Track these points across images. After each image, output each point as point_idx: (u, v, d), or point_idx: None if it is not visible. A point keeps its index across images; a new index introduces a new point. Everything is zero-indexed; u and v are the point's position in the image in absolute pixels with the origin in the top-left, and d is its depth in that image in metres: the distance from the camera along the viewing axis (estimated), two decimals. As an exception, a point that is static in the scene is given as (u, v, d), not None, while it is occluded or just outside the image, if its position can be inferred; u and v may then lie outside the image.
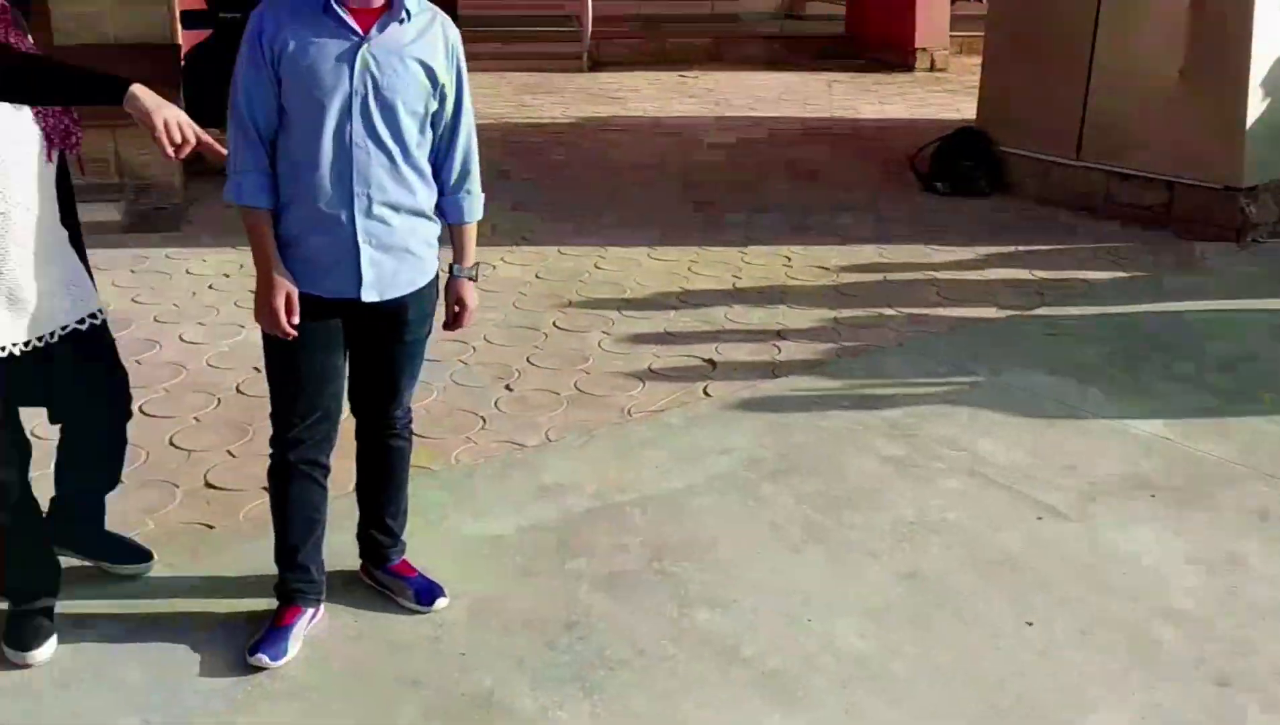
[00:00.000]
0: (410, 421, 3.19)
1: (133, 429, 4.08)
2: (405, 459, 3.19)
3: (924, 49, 13.18)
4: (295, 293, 2.80)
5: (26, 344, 2.68)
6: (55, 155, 2.68)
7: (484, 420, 4.28)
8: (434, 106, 2.83)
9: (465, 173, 2.97)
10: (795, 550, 3.45)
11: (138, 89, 2.34)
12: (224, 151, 2.55)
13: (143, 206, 6.90)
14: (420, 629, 3.03)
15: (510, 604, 3.15)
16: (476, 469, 3.90)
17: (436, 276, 3.02)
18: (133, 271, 5.71)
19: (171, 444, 4.03)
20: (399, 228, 2.85)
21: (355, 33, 2.71)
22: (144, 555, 3.24)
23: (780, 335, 5.19)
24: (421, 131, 2.84)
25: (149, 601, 3.09)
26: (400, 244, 2.86)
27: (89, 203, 6.73)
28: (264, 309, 2.80)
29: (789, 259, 6.32)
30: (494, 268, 5.98)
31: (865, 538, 3.53)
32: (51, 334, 2.75)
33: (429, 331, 3.08)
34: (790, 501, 3.72)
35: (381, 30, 2.74)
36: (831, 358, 4.94)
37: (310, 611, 3.02)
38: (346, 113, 2.71)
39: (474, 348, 4.95)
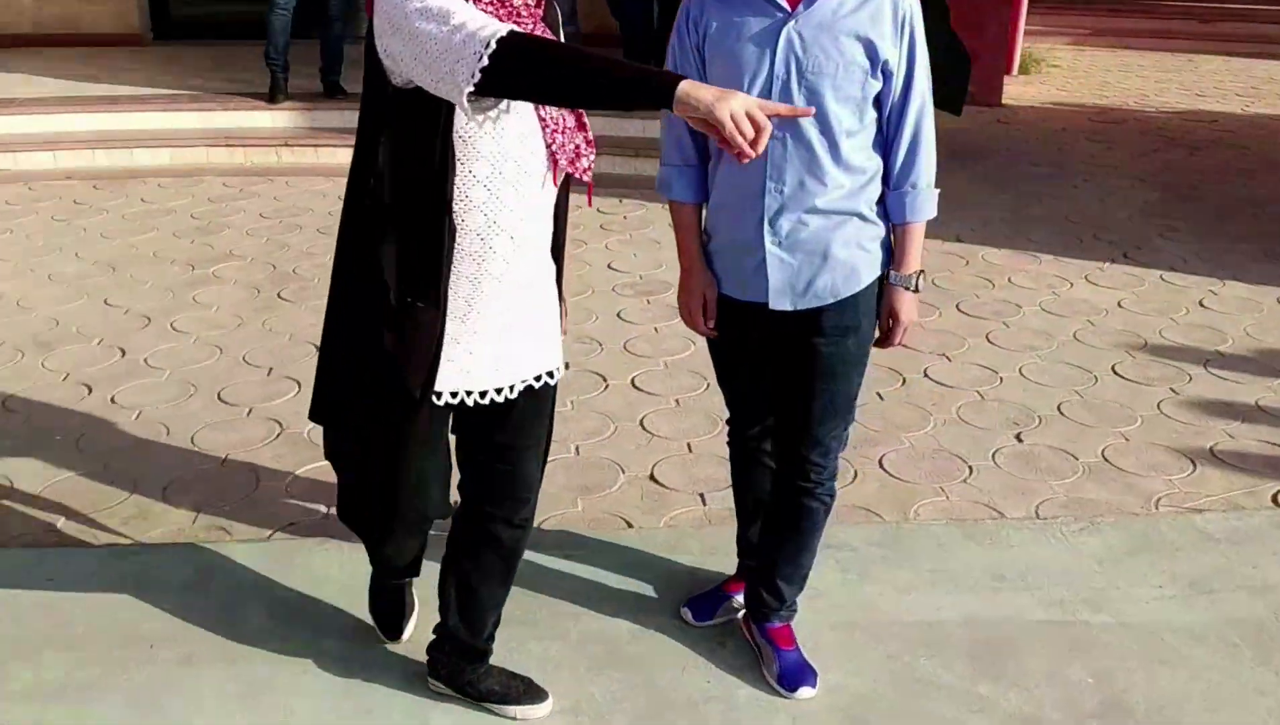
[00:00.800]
0: (832, 476, 2.64)
1: (614, 400, 4.11)
2: (814, 523, 2.67)
3: None
4: (713, 294, 2.56)
5: (483, 395, 2.26)
6: (559, 179, 2.23)
7: (971, 471, 3.64)
8: (876, 86, 2.34)
9: (911, 164, 2.43)
10: (1307, 764, 2.47)
11: (688, 86, 1.81)
12: (809, 110, 2.00)
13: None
14: (771, 715, 2.59)
15: (885, 718, 2.59)
16: (931, 531, 3.30)
17: (875, 288, 2.52)
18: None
19: (641, 424, 3.92)
20: (817, 228, 2.41)
21: (781, 8, 2.31)
22: (538, 696, 2.62)
23: None
24: (859, 118, 2.36)
25: (525, 592, 2.96)
26: (818, 247, 2.42)
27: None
28: (681, 308, 2.63)
29: None
30: (1069, 286, 5.16)
31: None
32: (511, 388, 2.29)
33: (857, 355, 2.54)
34: (1334, 687, 2.68)
35: (811, 4, 2.30)
36: None
37: None
38: (766, 99, 2.31)
39: (1001, 379, 4.26)
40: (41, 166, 6.82)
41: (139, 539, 3.21)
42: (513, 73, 1.87)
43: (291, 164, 7.05)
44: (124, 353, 4.42)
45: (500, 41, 1.85)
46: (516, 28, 1.95)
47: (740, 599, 2.90)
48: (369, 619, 2.83)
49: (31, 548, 3.16)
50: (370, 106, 2.12)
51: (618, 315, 4.84)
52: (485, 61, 1.85)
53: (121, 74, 8.16)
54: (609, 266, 5.42)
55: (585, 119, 2.24)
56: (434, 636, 2.62)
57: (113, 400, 4.03)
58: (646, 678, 2.70)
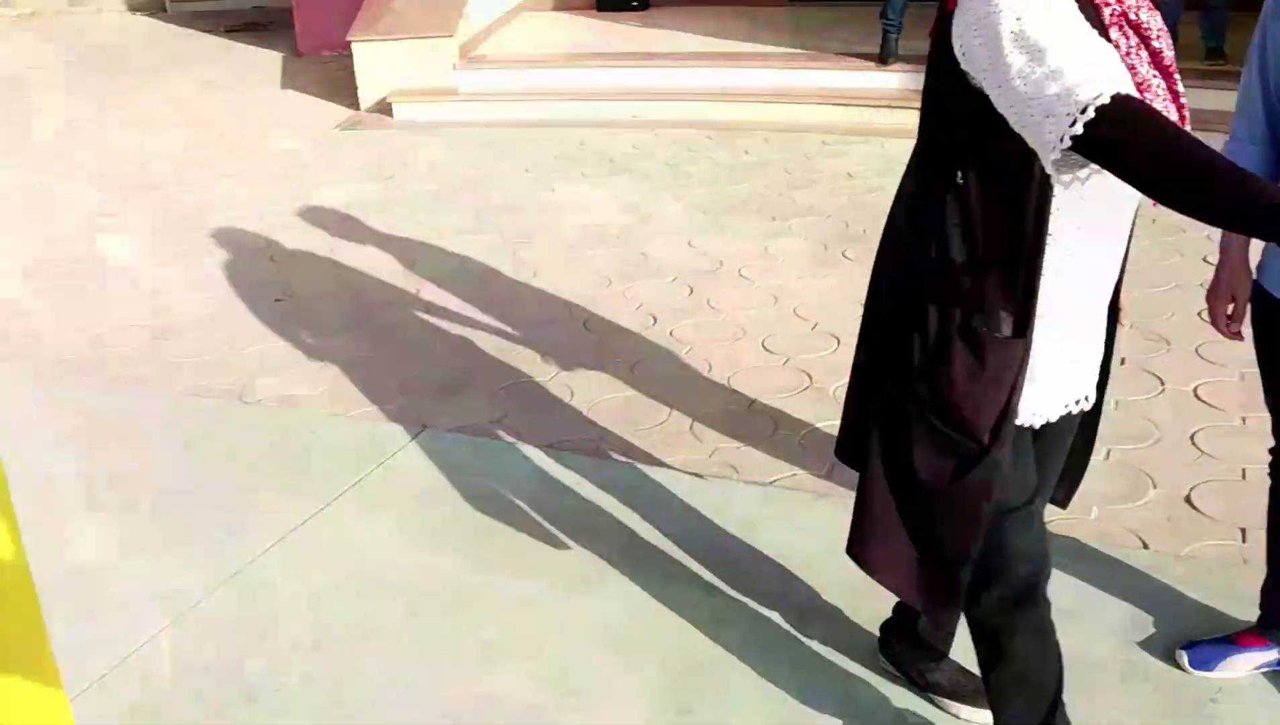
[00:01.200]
0: None
1: (1166, 407, 3.71)
2: None
3: None
4: (1244, 295, 2.33)
5: (1064, 407, 2.03)
6: None
7: None
8: None
9: None
10: None
11: None
12: None
13: None
14: None
15: None
16: None
17: None
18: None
19: (1191, 439, 3.50)
20: None
21: None
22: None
23: None
24: None
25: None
26: None
27: None
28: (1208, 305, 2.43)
29: None
30: None
31: None
32: (1075, 402, 2.04)
33: None
34: None
35: None
36: None
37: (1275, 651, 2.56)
38: None
39: None
40: (668, 115, 7.51)
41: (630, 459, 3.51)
42: (1109, 146, 1.57)
43: (891, 125, 7.09)
44: (692, 291, 4.78)
45: (1102, 110, 1.55)
46: (1130, 88, 1.62)
47: (1254, 655, 2.53)
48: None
49: (578, 453, 3.56)
50: (940, 104, 1.87)
51: (1198, 314, 4.33)
52: (1079, 129, 1.56)
53: (752, 34, 8.71)
54: (1203, 260, 4.86)
55: (1180, 91, 1.82)
56: (891, 616, 2.59)
57: (671, 333, 4.39)
58: (1112, 718, 2.45)
